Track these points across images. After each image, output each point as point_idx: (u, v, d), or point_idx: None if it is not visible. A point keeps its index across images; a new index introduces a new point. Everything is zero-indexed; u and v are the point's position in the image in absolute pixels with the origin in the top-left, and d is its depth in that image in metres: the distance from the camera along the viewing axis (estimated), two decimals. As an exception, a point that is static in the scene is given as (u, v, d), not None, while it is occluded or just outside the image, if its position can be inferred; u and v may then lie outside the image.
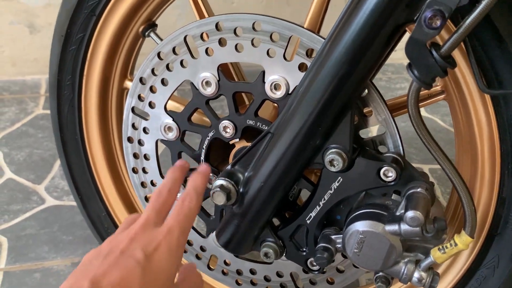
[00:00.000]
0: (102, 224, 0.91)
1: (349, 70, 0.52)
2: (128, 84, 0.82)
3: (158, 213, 0.54)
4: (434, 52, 0.47)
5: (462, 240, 0.54)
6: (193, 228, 0.74)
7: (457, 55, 0.56)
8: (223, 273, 0.77)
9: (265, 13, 0.60)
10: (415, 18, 0.47)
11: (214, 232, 0.69)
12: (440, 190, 1.29)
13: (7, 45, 1.63)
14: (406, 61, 0.48)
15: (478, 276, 0.66)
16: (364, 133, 0.58)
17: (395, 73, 1.84)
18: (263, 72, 0.62)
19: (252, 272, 0.75)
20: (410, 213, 0.53)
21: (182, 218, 0.53)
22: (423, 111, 1.63)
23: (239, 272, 0.76)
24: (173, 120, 0.69)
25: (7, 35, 1.62)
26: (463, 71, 0.57)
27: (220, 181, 0.61)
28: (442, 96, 0.63)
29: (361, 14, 0.49)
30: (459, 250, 0.55)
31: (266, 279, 0.75)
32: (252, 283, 0.76)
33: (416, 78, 0.49)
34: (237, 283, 0.77)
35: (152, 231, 0.51)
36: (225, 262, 0.76)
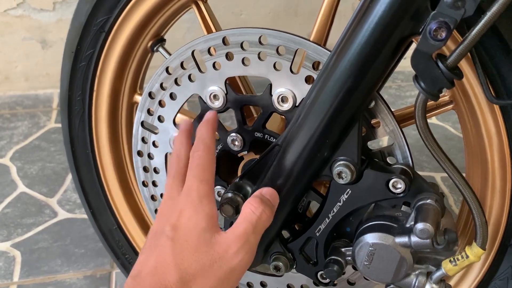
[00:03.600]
0: (113, 237, 0.92)
1: (355, 82, 0.52)
2: (137, 98, 0.83)
3: (177, 179, 0.54)
4: (440, 64, 0.47)
5: (474, 252, 0.53)
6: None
7: (464, 64, 0.56)
8: (234, 285, 0.77)
9: (273, 24, 0.60)
10: (420, 30, 0.47)
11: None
12: (452, 198, 1.28)
13: (20, 60, 1.67)
14: (415, 69, 0.48)
15: (492, 288, 0.65)
16: (376, 143, 0.58)
17: (405, 81, 1.83)
18: (270, 85, 0.62)
19: (263, 284, 0.75)
20: (419, 225, 0.52)
21: (195, 169, 0.53)
22: (434, 119, 1.62)
23: (249, 285, 0.76)
24: (181, 133, 0.70)
25: (20, 50, 1.65)
26: (471, 81, 0.57)
27: (228, 194, 0.61)
28: (451, 106, 0.63)
29: (366, 26, 0.49)
30: (470, 262, 0.54)
31: (277, 291, 0.74)
32: (263, 295, 0.75)
33: (423, 89, 0.49)
34: (248, 295, 0.77)
35: (175, 199, 0.52)
36: (235, 275, 0.76)
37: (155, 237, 0.51)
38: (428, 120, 0.53)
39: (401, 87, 1.81)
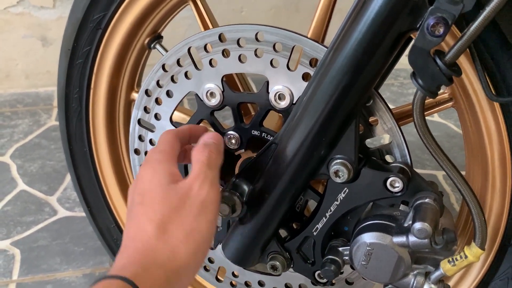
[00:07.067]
0: (111, 235, 0.91)
1: (352, 79, 0.51)
2: (135, 96, 0.82)
3: None
4: (438, 60, 0.46)
5: (473, 252, 0.53)
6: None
7: (463, 61, 0.55)
8: (232, 285, 0.77)
9: (274, 20, 0.59)
10: (417, 25, 0.46)
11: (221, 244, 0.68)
12: (454, 197, 1.27)
13: (21, 58, 1.66)
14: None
15: (492, 288, 0.64)
16: (377, 140, 0.57)
17: (407, 78, 1.82)
18: (267, 82, 0.61)
19: (261, 284, 0.74)
20: (417, 225, 0.52)
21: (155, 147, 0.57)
22: (436, 117, 1.60)
23: (247, 284, 0.75)
24: (178, 131, 0.69)
25: (21, 48, 1.65)
26: (471, 78, 0.56)
27: (225, 193, 0.61)
28: (450, 103, 0.62)
29: (363, 22, 0.48)
30: (469, 263, 0.53)
31: (275, 291, 0.74)
32: (261, 295, 0.75)
33: (421, 87, 0.48)
34: (246, 295, 0.76)
35: (138, 175, 0.55)
36: (233, 274, 0.75)
37: (129, 211, 0.53)
38: (431, 118, 0.52)
39: (403, 84, 1.79)
